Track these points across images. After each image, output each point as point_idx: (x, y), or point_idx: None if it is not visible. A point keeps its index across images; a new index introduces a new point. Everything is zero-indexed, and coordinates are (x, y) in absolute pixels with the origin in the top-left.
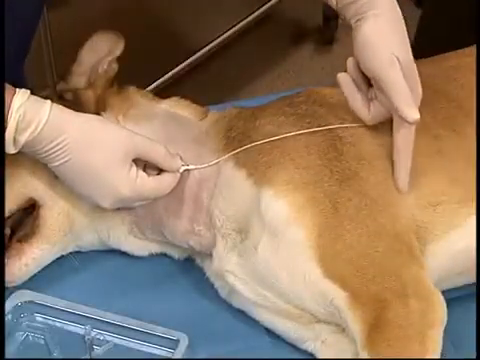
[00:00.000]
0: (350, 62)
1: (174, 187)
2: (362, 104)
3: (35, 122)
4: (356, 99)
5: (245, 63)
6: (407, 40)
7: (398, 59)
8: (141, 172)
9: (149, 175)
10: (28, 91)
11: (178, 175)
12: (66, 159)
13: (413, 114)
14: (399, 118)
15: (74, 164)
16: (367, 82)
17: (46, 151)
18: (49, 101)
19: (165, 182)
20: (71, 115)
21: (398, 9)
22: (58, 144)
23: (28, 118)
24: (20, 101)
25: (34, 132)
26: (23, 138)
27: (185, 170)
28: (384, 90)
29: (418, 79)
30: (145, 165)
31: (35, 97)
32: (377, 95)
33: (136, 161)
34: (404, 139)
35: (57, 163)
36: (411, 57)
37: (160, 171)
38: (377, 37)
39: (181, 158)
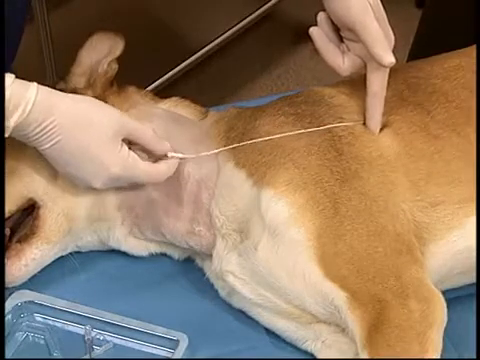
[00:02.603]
0: (321, 16)
1: (174, 187)
2: (335, 55)
3: (22, 105)
4: (329, 51)
5: (245, 63)
6: None
7: (370, 4)
8: (132, 153)
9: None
10: (13, 75)
11: (172, 166)
12: (56, 140)
13: (389, 57)
14: (374, 63)
15: (64, 145)
16: (338, 36)
17: (36, 133)
18: (35, 83)
19: (159, 168)
20: (59, 96)
21: None
22: (47, 126)
23: (15, 101)
24: (6, 83)
25: (22, 115)
26: (12, 122)
27: (172, 156)
28: (359, 36)
29: (388, 23)
30: (133, 150)
31: (20, 80)
32: (350, 46)
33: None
34: (379, 83)
35: (47, 145)
36: (379, 2)
37: (155, 160)
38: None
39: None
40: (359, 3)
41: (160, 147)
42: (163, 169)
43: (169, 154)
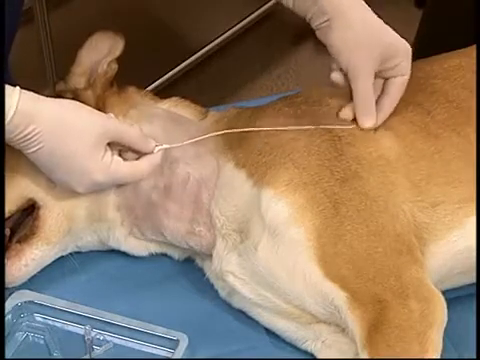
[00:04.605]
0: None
1: (174, 188)
2: None
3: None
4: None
5: (245, 63)
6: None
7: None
8: (116, 157)
9: (127, 159)
10: None
11: (155, 160)
12: (39, 147)
13: (368, 122)
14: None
15: (46, 151)
16: None
17: (18, 139)
18: (17, 88)
19: (141, 166)
20: (41, 102)
21: None
22: (29, 133)
23: None
24: None
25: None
26: None
27: (159, 150)
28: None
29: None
30: (121, 150)
31: (6, 87)
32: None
33: (112, 146)
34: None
35: (30, 151)
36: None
37: (139, 156)
38: (346, 46)
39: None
40: (358, 60)
41: (146, 146)
42: (145, 166)
43: (156, 149)
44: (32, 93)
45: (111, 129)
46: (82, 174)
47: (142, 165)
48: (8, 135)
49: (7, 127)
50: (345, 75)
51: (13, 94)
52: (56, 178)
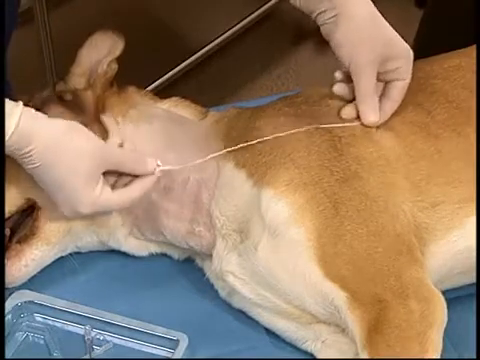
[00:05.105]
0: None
1: (174, 188)
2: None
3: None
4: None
5: (245, 63)
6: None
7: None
8: (106, 188)
9: (120, 184)
10: None
11: (147, 185)
12: (35, 166)
13: (371, 117)
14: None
15: (42, 171)
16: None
17: (17, 156)
18: (20, 106)
19: (131, 194)
20: (41, 123)
21: None
22: (27, 152)
23: None
24: None
25: None
26: None
27: (161, 170)
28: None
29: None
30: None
31: (6, 102)
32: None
33: (107, 173)
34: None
35: (28, 167)
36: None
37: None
38: (350, 41)
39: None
40: (361, 54)
41: (146, 169)
42: (136, 193)
43: (157, 169)
44: (33, 111)
45: (108, 159)
46: (70, 202)
47: (132, 193)
48: (8, 149)
49: (7, 143)
50: (348, 75)
51: (14, 114)
52: (47, 193)
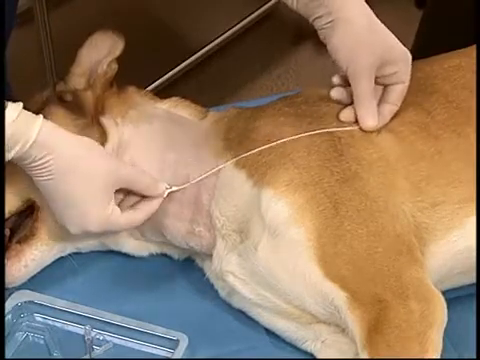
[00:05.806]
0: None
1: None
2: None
3: (22, 141)
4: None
5: (245, 63)
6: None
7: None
8: (116, 209)
9: (127, 202)
10: (20, 105)
11: (152, 209)
12: (48, 178)
13: (370, 122)
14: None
15: (54, 185)
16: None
17: (31, 167)
18: (41, 118)
19: (138, 217)
20: (61, 135)
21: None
22: (42, 164)
23: (16, 137)
24: (10, 118)
25: (21, 149)
26: (12, 154)
27: (169, 192)
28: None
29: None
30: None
31: (26, 113)
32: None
33: (118, 191)
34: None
35: (39, 179)
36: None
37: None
38: (347, 45)
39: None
40: (359, 58)
41: (156, 192)
42: (142, 217)
43: (166, 192)
44: (53, 124)
45: (123, 178)
46: (78, 220)
47: (139, 216)
48: (21, 161)
49: (22, 155)
50: (346, 79)
51: (34, 125)
52: (54, 210)
